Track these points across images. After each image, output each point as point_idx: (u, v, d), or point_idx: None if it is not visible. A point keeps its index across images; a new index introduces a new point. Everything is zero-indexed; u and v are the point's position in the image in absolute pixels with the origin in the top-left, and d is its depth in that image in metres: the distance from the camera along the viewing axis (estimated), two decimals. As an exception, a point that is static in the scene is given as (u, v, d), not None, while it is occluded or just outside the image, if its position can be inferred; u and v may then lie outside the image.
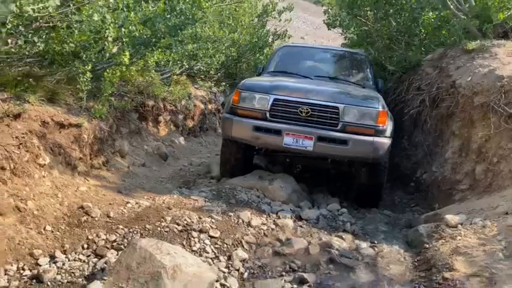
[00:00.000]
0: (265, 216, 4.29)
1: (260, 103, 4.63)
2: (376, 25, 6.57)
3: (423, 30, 6.11)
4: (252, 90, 4.72)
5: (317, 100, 4.54)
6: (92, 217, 3.68)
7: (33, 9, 2.86)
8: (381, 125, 4.46)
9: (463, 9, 5.35)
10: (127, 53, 5.08)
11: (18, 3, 2.92)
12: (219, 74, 9.85)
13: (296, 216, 4.45)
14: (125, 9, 4.50)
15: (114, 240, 3.45)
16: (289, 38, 11.69)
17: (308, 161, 5.19)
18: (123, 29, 4.93)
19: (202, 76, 9.19)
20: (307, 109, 4.50)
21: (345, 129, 4.45)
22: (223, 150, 5.10)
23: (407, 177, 6.04)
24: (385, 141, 4.50)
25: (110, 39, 4.24)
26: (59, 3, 3.17)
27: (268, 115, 4.59)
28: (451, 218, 3.84)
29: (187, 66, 7.50)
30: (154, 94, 6.32)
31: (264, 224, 4.15)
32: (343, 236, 4.05)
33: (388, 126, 4.60)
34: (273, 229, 4.11)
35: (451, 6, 5.45)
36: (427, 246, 3.70)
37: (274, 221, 4.24)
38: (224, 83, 9.87)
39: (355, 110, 4.47)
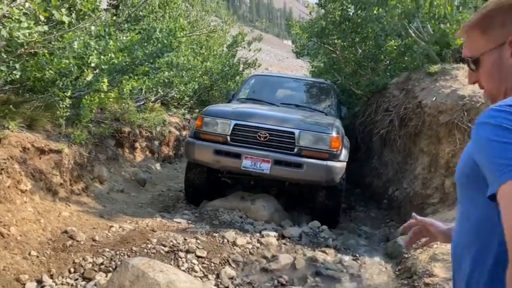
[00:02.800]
0: (249, 235, 4.37)
1: (222, 128, 4.82)
2: (344, 52, 6.95)
3: (388, 57, 6.53)
4: (214, 116, 4.93)
5: (274, 125, 4.76)
6: (77, 241, 3.64)
7: (23, 34, 2.91)
8: (334, 149, 4.71)
9: (423, 36, 5.78)
10: (105, 80, 5.15)
11: (8, 29, 2.98)
12: (192, 101, 10.01)
13: (279, 234, 4.55)
14: (107, 37, 4.59)
15: (102, 263, 3.43)
16: (258, 66, 12.06)
17: (269, 184, 5.32)
18: (102, 57, 5.04)
19: (176, 103, 9.30)
20: (265, 134, 4.72)
21: (300, 154, 4.66)
22: (187, 174, 5.22)
23: (380, 195, 6.28)
24: (339, 165, 4.74)
25: (91, 65, 4.31)
26: (47, 29, 3.24)
27: (229, 139, 4.78)
28: (427, 228, 4.04)
29: (162, 94, 7.60)
30: (130, 121, 6.36)
31: (249, 242, 4.22)
32: (326, 251, 4.18)
33: (343, 151, 4.85)
34: (258, 247, 4.19)
35: (413, 34, 5.88)
36: (406, 256, 3.89)
37: (258, 239, 4.32)
38: (197, 110, 10.01)
39: (310, 135, 4.71)
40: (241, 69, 11.63)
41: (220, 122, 4.88)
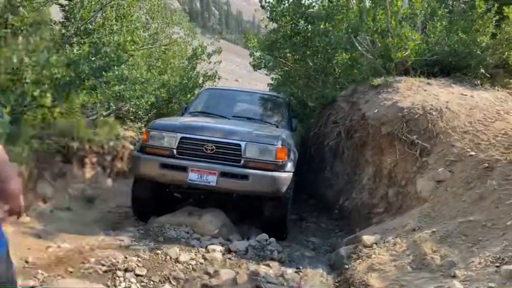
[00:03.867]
0: (194, 251, 4.32)
1: (168, 141, 4.82)
2: (296, 65, 7.07)
3: (337, 70, 6.69)
4: (161, 130, 4.92)
5: (221, 138, 4.79)
6: (8, 264, 3.49)
7: None
8: (280, 160, 4.76)
9: (369, 49, 5.96)
10: (48, 95, 5.04)
11: None
12: (149, 114, 9.88)
13: (225, 249, 4.52)
14: (45, 52, 4.49)
15: (32, 286, 3.31)
16: (219, 79, 12.07)
17: (218, 197, 5.32)
18: (44, 71, 4.93)
19: (132, 117, 9.17)
20: (211, 146, 4.74)
21: (246, 165, 4.69)
22: (134, 189, 5.16)
23: (332, 205, 6.38)
24: (285, 175, 4.79)
25: (28, 81, 4.20)
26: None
27: (175, 152, 4.78)
28: (367, 238, 4.12)
29: (114, 108, 7.48)
30: (79, 136, 6.21)
31: (193, 259, 4.18)
32: (270, 264, 4.18)
33: (289, 162, 4.90)
34: (201, 263, 4.15)
35: (359, 48, 6.05)
36: (347, 266, 3.93)
37: (203, 255, 4.28)
38: (155, 124, 9.89)
39: (256, 147, 4.75)
40: (201, 81, 11.61)
41: (166, 136, 4.87)
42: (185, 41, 13.55)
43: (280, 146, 4.84)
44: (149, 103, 8.81)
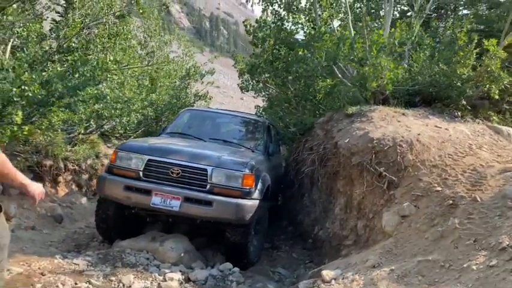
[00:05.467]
0: (150, 279, 4.20)
1: (135, 163, 4.76)
2: (277, 90, 7.03)
3: (318, 96, 6.63)
4: (129, 151, 4.87)
5: (188, 162, 4.70)
6: None
7: None
8: (247, 187, 4.68)
9: (347, 77, 5.90)
10: (19, 113, 5.01)
11: None
12: (137, 132, 9.85)
13: (184, 278, 4.39)
14: (10, 71, 4.48)
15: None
16: (210, 99, 12.07)
17: (185, 221, 5.20)
18: (14, 89, 4.92)
19: (117, 135, 9.13)
20: (177, 170, 4.66)
21: (212, 191, 4.60)
22: (98, 210, 5.08)
23: (307, 233, 6.22)
24: (251, 203, 4.68)
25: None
26: None
27: (141, 175, 4.71)
28: (326, 273, 3.97)
29: (94, 126, 7.45)
30: (53, 154, 6.17)
31: (147, 287, 4.05)
32: (226, 296, 4.05)
33: (257, 189, 4.81)
34: (155, 292, 4.02)
35: (339, 75, 6.00)
36: (303, 302, 3.79)
37: (159, 284, 4.16)
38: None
39: (222, 173, 4.66)
40: (192, 101, 11.61)
41: (134, 157, 4.81)
42: (182, 60, 13.64)
43: (248, 173, 4.75)
44: (134, 122, 8.78)
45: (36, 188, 2.30)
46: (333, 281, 3.90)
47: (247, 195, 4.71)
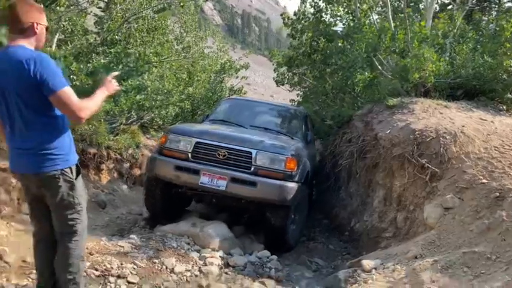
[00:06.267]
0: (191, 263, 4.30)
1: (184, 145, 5.00)
2: (314, 83, 7.01)
3: (356, 88, 6.58)
4: (178, 134, 5.12)
5: (233, 145, 4.90)
6: (5, 262, 3.60)
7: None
8: (289, 170, 4.82)
9: (388, 69, 5.83)
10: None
11: None
12: (174, 124, 10.05)
13: (224, 263, 4.47)
14: (62, 59, 4.68)
15: (25, 285, 3.38)
16: (244, 93, 12.16)
17: (228, 202, 5.37)
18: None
19: (156, 126, 9.36)
20: (224, 152, 4.87)
21: (256, 173, 4.78)
22: (146, 189, 5.37)
23: (344, 226, 6.20)
24: (292, 185, 4.81)
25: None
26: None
27: (190, 156, 4.94)
28: (367, 263, 3.97)
29: (135, 117, 7.67)
30: (97, 142, 6.39)
31: (188, 270, 4.15)
32: (266, 282, 4.09)
33: (298, 173, 4.94)
34: (196, 275, 4.12)
35: (379, 67, 5.93)
36: (343, 291, 3.80)
37: (199, 268, 4.25)
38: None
39: (266, 156, 4.83)
40: (227, 95, 11.73)
41: (182, 140, 5.06)
42: (217, 55, 13.81)
43: (290, 156, 4.89)
44: (172, 114, 8.98)
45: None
46: (373, 270, 3.89)
47: (289, 177, 4.83)
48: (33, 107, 2.37)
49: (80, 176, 2.65)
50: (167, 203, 5.38)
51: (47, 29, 2.53)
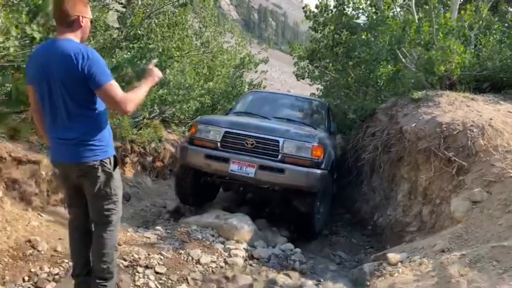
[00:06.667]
0: (216, 254, 4.36)
1: (213, 135, 5.18)
2: (336, 76, 6.97)
3: (379, 81, 6.51)
4: (207, 124, 5.31)
5: (261, 134, 5.06)
6: (38, 251, 3.70)
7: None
8: (316, 157, 4.94)
9: (412, 62, 5.76)
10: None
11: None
12: (194, 118, 10.15)
13: (248, 255, 4.52)
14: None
15: (57, 274, 3.48)
16: (264, 88, 12.17)
17: (255, 190, 5.60)
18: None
19: (177, 121, 9.46)
20: (252, 141, 5.03)
21: (284, 160, 4.92)
22: (177, 177, 5.59)
23: (366, 221, 6.17)
24: (319, 172, 4.93)
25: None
26: (17, 44, 3.39)
27: (219, 145, 5.12)
28: (392, 256, 3.95)
29: (158, 111, 7.75)
30: (121, 136, 6.50)
31: (214, 261, 4.21)
32: (290, 274, 4.12)
33: (325, 160, 5.06)
34: (222, 267, 4.17)
35: (403, 60, 5.86)
36: (368, 283, 3.79)
37: (224, 259, 4.30)
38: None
39: (293, 144, 4.97)
40: (246, 90, 11.76)
41: (212, 130, 5.25)
42: (235, 50, 13.83)
43: (317, 144, 4.99)
44: (193, 108, 9.05)
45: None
46: (399, 263, 3.87)
47: (316, 165, 4.95)
48: (79, 100, 2.44)
49: (118, 168, 2.70)
50: (197, 191, 5.58)
51: (91, 21, 2.58)
